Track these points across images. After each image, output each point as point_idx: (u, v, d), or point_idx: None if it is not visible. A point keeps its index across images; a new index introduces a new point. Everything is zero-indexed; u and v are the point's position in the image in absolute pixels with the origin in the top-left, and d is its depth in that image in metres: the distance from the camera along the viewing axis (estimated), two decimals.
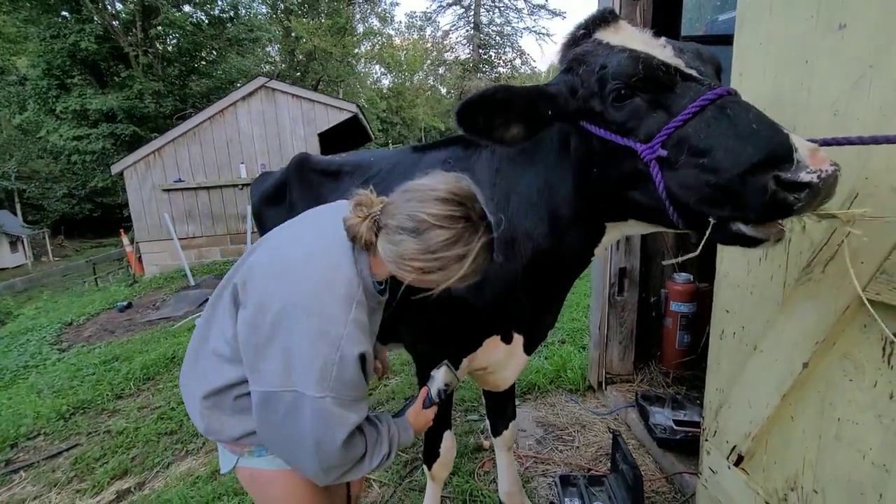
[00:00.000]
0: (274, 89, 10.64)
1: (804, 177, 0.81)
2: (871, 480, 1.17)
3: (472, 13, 36.37)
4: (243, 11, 22.97)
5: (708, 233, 0.94)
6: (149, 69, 19.35)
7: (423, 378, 1.71)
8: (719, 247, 1.73)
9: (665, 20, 2.97)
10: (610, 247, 3.12)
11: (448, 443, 1.90)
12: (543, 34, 36.46)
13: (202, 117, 10.60)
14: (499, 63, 38.37)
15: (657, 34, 1.12)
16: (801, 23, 1.32)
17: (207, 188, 10.66)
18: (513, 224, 1.46)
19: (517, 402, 3.23)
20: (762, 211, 0.87)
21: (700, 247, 0.97)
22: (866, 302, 1.00)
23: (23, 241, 25.60)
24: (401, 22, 50.98)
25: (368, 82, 36.94)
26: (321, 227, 1.28)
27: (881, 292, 1.08)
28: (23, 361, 6.25)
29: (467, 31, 37.17)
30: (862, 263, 1.12)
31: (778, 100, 1.40)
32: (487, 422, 2.34)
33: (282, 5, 27.89)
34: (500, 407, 2.18)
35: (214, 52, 22.11)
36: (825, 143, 1.04)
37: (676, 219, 1.01)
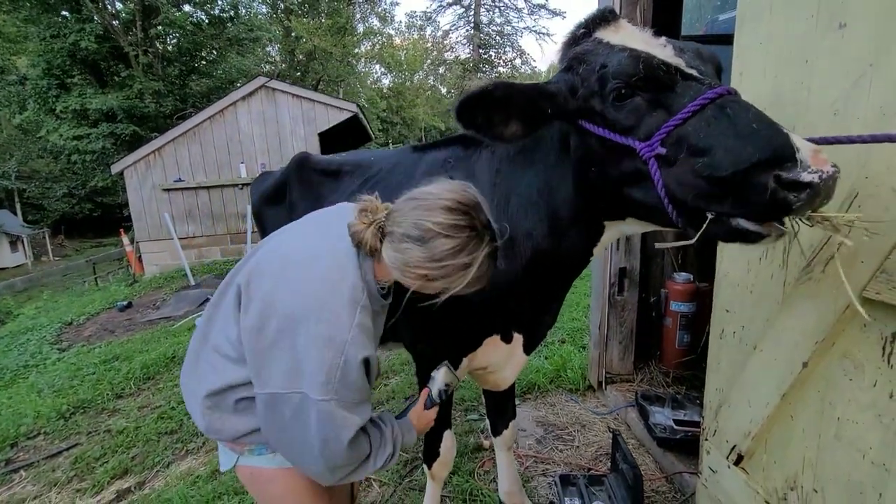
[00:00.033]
0: (274, 89, 10.65)
1: (806, 177, 0.81)
2: (871, 480, 1.17)
3: (473, 13, 36.35)
4: (243, 11, 22.95)
5: (705, 226, 0.94)
6: (149, 69, 19.34)
7: (423, 377, 1.71)
8: (719, 246, 1.74)
9: (665, 20, 2.97)
10: (610, 246, 3.12)
11: (448, 442, 1.90)
12: (543, 34, 36.45)
13: (202, 117, 10.60)
14: (499, 63, 38.36)
15: (657, 33, 1.12)
16: (801, 22, 1.32)
17: (207, 188, 10.66)
18: (513, 224, 1.45)
19: (517, 402, 3.23)
20: (762, 209, 0.87)
21: (697, 237, 0.97)
22: (860, 308, 1.00)
23: (23, 241, 25.60)
24: (401, 22, 51.11)
25: (368, 82, 36.92)
26: (325, 230, 1.28)
27: (881, 291, 1.08)
28: (23, 361, 6.26)
29: (467, 30, 37.16)
30: (862, 263, 1.13)
31: (778, 99, 1.40)
32: (487, 421, 2.34)
33: (282, 5, 27.87)
34: (500, 406, 2.18)
35: (214, 52, 22.09)
36: (824, 141, 1.04)
37: (675, 217, 1.01)
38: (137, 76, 18.62)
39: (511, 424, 2.19)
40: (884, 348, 1.12)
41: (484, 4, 36.31)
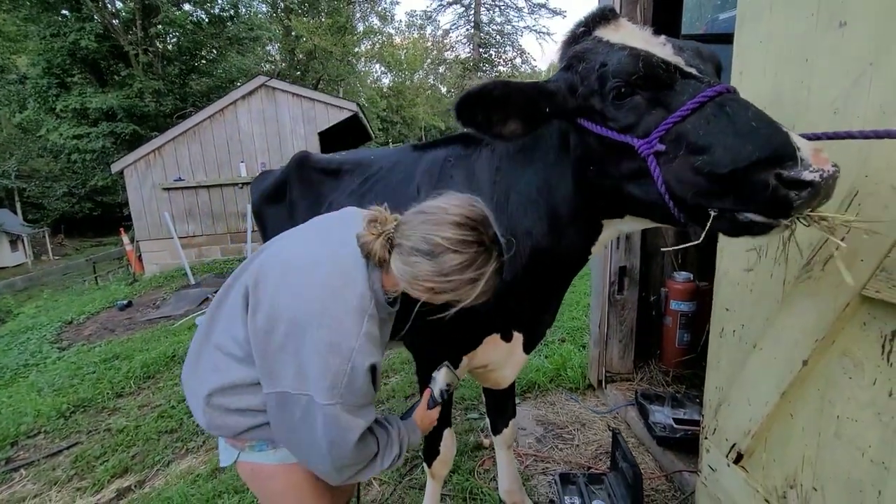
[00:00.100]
0: (274, 88, 10.64)
1: (807, 175, 0.81)
2: (871, 478, 1.17)
3: (473, 12, 36.32)
4: (243, 10, 22.95)
5: (709, 224, 0.95)
6: (149, 68, 19.33)
7: (423, 376, 1.72)
8: (719, 245, 1.74)
9: (665, 19, 2.97)
10: (610, 245, 3.12)
11: (448, 441, 1.91)
12: (544, 33, 36.42)
13: (202, 116, 10.59)
14: (499, 62, 38.35)
15: (657, 32, 1.12)
16: (801, 21, 1.32)
17: (207, 187, 10.66)
18: (512, 222, 1.46)
19: (517, 401, 3.24)
20: (762, 207, 0.87)
21: (703, 236, 0.98)
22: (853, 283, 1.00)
23: (23, 240, 25.63)
24: (401, 21, 51.07)
25: (368, 81, 36.93)
26: (328, 235, 1.30)
27: (881, 290, 1.08)
28: (23, 360, 6.25)
29: (467, 29, 37.13)
30: (862, 261, 1.13)
31: (778, 98, 1.40)
32: (487, 420, 2.34)
33: (282, 4, 27.84)
34: (500, 405, 2.19)
35: (215, 51, 22.08)
36: (825, 136, 1.04)
37: (678, 213, 1.01)
38: (137, 75, 18.61)
39: (511, 423, 2.20)
40: (883, 346, 1.12)
41: (484, 3, 36.29)
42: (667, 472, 2.54)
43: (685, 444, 2.54)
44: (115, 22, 18.68)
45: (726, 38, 1.79)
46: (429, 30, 39.90)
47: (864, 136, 0.97)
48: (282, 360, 1.15)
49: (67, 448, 3.56)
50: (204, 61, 22.19)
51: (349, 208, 1.45)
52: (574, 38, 1.21)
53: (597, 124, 1.12)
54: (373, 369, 1.16)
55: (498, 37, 37.60)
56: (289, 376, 1.14)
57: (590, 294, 3.62)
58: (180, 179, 10.54)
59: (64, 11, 17.86)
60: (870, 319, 1.15)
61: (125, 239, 11.58)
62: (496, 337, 1.68)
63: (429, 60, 40.08)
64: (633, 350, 3.37)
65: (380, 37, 36.23)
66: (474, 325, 1.63)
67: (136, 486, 2.99)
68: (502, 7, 36.57)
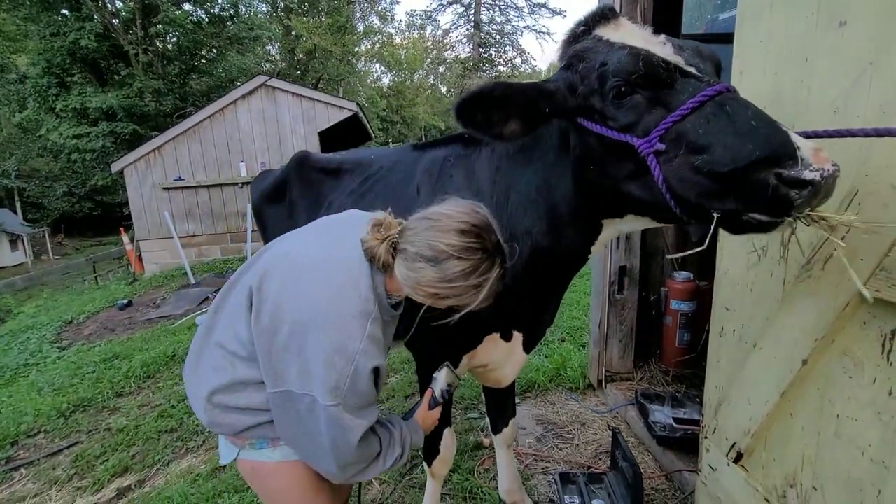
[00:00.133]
0: (274, 88, 10.65)
1: (808, 175, 0.81)
2: (870, 477, 1.17)
3: (473, 12, 36.32)
4: (243, 10, 22.95)
5: (713, 226, 0.95)
6: (149, 67, 19.32)
7: (424, 375, 1.72)
8: (719, 244, 1.74)
9: (665, 19, 2.97)
10: (610, 245, 3.12)
11: (448, 440, 1.91)
12: (544, 33, 36.41)
13: (202, 115, 10.59)
14: (499, 62, 38.34)
15: (656, 32, 1.12)
16: (801, 20, 1.32)
17: (207, 186, 10.65)
18: (512, 221, 1.46)
19: (517, 401, 3.24)
20: (763, 206, 0.87)
21: (707, 241, 0.98)
22: (864, 291, 1.00)
23: (23, 240, 25.63)
24: (401, 20, 51.03)
25: (369, 81, 36.92)
26: (333, 237, 1.31)
27: (881, 289, 1.08)
28: (23, 359, 6.25)
29: (467, 29, 37.12)
30: (862, 260, 1.13)
31: (778, 98, 1.40)
32: (487, 419, 2.34)
33: (282, 4, 27.85)
34: (500, 405, 2.19)
35: (214, 51, 22.07)
36: (825, 134, 1.04)
37: (680, 212, 1.01)
38: (137, 75, 18.60)
39: (511, 422, 2.20)
40: (883, 345, 1.12)
41: (484, 3, 36.29)
42: (667, 471, 2.54)
43: (685, 443, 2.54)
44: (115, 21, 18.67)
45: (726, 38, 1.79)
46: (429, 29, 39.97)
47: (865, 133, 0.97)
48: (286, 361, 1.16)
49: (67, 447, 3.56)
50: (204, 61, 22.18)
51: (352, 210, 1.47)
52: (574, 37, 1.21)
53: (597, 123, 1.12)
54: (376, 371, 1.18)
55: (498, 36, 37.60)
56: (293, 376, 1.15)
57: (590, 294, 3.62)
58: (180, 179, 10.54)
59: (64, 11, 17.85)
60: (870, 319, 1.15)
61: (125, 238, 11.58)
62: (496, 336, 1.68)
63: (429, 60, 40.08)
64: (633, 350, 3.37)
65: (380, 36, 36.25)
66: (474, 325, 1.63)
67: (136, 486, 2.99)
68: (502, 7, 36.59)
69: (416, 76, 40.12)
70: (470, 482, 2.53)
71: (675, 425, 2.66)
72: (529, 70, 38.12)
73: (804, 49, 1.31)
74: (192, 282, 9.17)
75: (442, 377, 1.49)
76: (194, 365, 1.34)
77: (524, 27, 37.80)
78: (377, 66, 38.97)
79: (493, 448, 2.55)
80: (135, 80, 18.52)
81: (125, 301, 8.46)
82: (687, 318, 3.19)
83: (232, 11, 21.50)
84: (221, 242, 10.93)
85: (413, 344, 1.81)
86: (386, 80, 39.70)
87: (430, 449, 1.92)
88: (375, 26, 35.28)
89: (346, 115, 10.97)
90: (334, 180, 2.14)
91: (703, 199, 0.95)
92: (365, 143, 16.52)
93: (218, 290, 1.38)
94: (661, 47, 1.06)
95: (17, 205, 27.61)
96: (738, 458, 1.64)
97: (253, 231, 9.43)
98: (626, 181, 1.12)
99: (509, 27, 37.28)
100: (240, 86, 10.99)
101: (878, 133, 0.95)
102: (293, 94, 10.74)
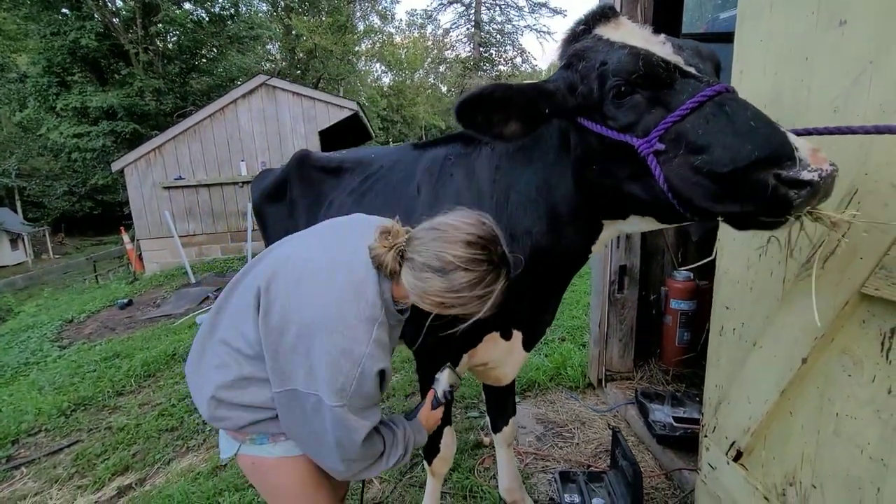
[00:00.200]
0: (274, 87, 10.65)
1: (806, 175, 0.82)
2: (870, 475, 1.18)
3: (473, 11, 36.33)
4: (244, 9, 22.90)
5: (720, 228, 0.96)
6: (149, 67, 19.30)
7: (424, 373, 1.73)
8: (719, 244, 1.74)
9: (666, 18, 2.97)
10: (610, 244, 3.13)
11: (448, 439, 1.91)
12: (544, 32, 36.48)
13: (203, 115, 10.59)
14: (499, 61, 38.35)
15: (656, 31, 1.12)
16: (801, 20, 1.32)
17: (208, 186, 10.66)
18: (512, 221, 1.46)
19: (517, 400, 3.24)
20: (763, 206, 0.88)
21: (714, 253, 0.99)
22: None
23: (23, 239, 25.63)
24: (401, 20, 50.91)
25: (369, 80, 36.89)
26: (341, 242, 1.33)
27: (880, 287, 1.08)
28: (24, 358, 6.26)
29: (468, 28, 37.13)
30: (861, 259, 1.13)
31: (778, 97, 1.40)
32: (487, 418, 2.35)
33: (282, 3, 27.84)
34: (501, 403, 2.19)
35: (215, 50, 22.03)
36: (826, 131, 1.04)
37: (684, 211, 1.02)
38: (138, 74, 18.59)
39: (511, 421, 2.20)
40: (882, 344, 1.12)
41: (484, 3, 36.29)
42: (666, 470, 2.54)
43: (685, 442, 2.54)
44: (115, 20, 18.64)
45: (727, 37, 1.79)
46: (429, 29, 39.98)
47: (865, 130, 0.97)
48: (293, 361, 1.18)
49: (68, 446, 3.56)
50: (204, 60, 22.14)
51: (358, 214, 1.49)
52: (574, 37, 1.21)
53: (597, 123, 1.12)
54: (381, 374, 1.20)
55: (498, 36, 37.62)
56: (300, 376, 1.18)
57: (590, 293, 3.62)
58: (181, 178, 10.54)
59: (64, 10, 17.82)
60: (869, 317, 1.16)
61: (125, 238, 11.58)
62: (496, 335, 1.68)
63: (429, 59, 40.05)
64: (633, 349, 3.37)
65: (380, 36, 36.21)
66: (474, 324, 1.64)
67: (136, 484, 3.00)
68: (503, 6, 36.60)
69: (417, 75, 40.09)
70: (470, 481, 2.53)
71: (674, 424, 2.66)
72: (530, 69, 38.13)
73: (804, 48, 1.31)
74: (193, 281, 9.17)
75: (444, 378, 1.52)
76: (197, 362, 1.35)
77: (525, 26, 37.92)
78: (377, 65, 38.97)
79: (494, 447, 2.56)
80: (135, 79, 18.50)
81: (125, 300, 8.47)
82: (687, 317, 3.20)
83: (232, 10, 21.46)
84: (222, 242, 10.94)
85: (414, 342, 1.81)
86: (386, 80, 39.72)
87: (431, 447, 1.93)
88: (376, 25, 35.27)
89: (346, 114, 10.97)
90: (335, 179, 2.14)
91: (705, 199, 0.96)
92: (365, 142, 16.51)
93: (219, 289, 1.39)
94: (660, 47, 1.06)
95: (18, 204, 27.62)
96: (737, 457, 1.65)
97: (253, 230, 9.43)
98: (627, 181, 1.12)
99: (510, 26, 37.34)
100: (240, 85, 10.99)
101: (878, 130, 0.95)
102: (293, 93, 10.74)
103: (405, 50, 38.77)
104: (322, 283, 1.21)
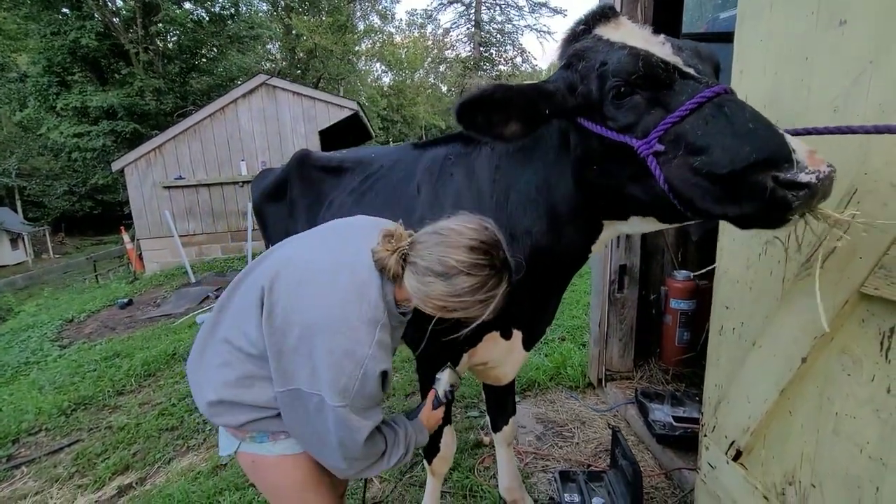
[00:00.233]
0: (275, 87, 10.65)
1: (803, 177, 0.82)
2: (869, 474, 1.18)
3: (473, 11, 36.31)
4: (244, 9, 22.91)
5: (720, 229, 0.96)
6: (149, 66, 19.31)
7: (424, 372, 1.73)
8: (718, 244, 1.74)
9: (666, 18, 2.97)
10: (610, 244, 3.13)
11: (448, 438, 1.91)
12: (544, 32, 36.46)
13: (203, 114, 10.60)
14: (500, 61, 38.34)
15: (656, 31, 1.12)
16: (801, 19, 1.32)
17: (208, 185, 10.66)
18: (512, 221, 1.46)
19: (517, 399, 3.24)
20: (761, 207, 0.88)
21: (717, 264, 0.99)
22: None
23: (23, 238, 25.64)
24: (401, 19, 50.93)
25: (369, 80, 36.90)
26: (344, 243, 1.33)
27: (879, 287, 1.09)
28: (24, 358, 6.26)
29: (468, 28, 37.11)
30: (860, 258, 1.13)
31: (778, 97, 1.40)
32: (487, 418, 2.35)
33: (282, 2, 27.83)
34: (501, 403, 2.19)
35: (215, 50, 22.04)
36: (826, 130, 1.04)
37: (685, 211, 1.02)
38: (138, 74, 18.59)
39: (511, 421, 2.20)
40: (882, 343, 1.13)
41: (485, 2, 36.28)
42: (666, 469, 2.55)
43: (684, 441, 2.55)
44: (115, 20, 18.65)
45: (727, 37, 1.79)
46: (429, 28, 39.97)
47: (865, 130, 0.97)
48: (296, 362, 1.19)
49: (68, 445, 3.57)
50: (204, 60, 22.15)
51: (360, 216, 1.50)
52: (574, 36, 1.21)
53: (596, 124, 1.12)
54: (384, 374, 1.21)
55: (498, 35, 37.60)
56: (303, 376, 1.18)
57: (590, 293, 3.63)
58: (181, 178, 10.54)
59: (64, 10, 17.82)
60: (868, 316, 1.16)
61: (126, 237, 11.58)
62: (496, 335, 1.69)
63: (429, 59, 40.04)
64: (633, 348, 3.38)
65: (380, 35, 36.23)
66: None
67: (137, 484, 3.00)
68: (503, 6, 36.59)
69: (417, 75, 40.09)
70: (470, 480, 2.54)
71: (674, 423, 2.66)
72: (530, 69, 38.12)
73: (804, 48, 1.31)
74: (193, 280, 9.17)
75: (445, 378, 1.53)
76: (198, 360, 1.36)
77: (525, 26, 37.88)
78: (378, 65, 38.98)
79: (493, 446, 2.56)
80: (135, 78, 18.50)
81: (126, 300, 8.47)
82: (687, 316, 3.20)
83: (232, 10, 21.46)
84: (222, 241, 10.94)
85: (414, 341, 1.82)
86: (386, 80, 39.72)
87: (431, 447, 1.93)
88: (376, 25, 35.29)
89: (346, 114, 10.97)
90: (335, 179, 2.14)
91: (705, 200, 0.96)
92: (365, 142, 16.51)
93: (219, 289, 1.39)
94: (660, 47, 1.06)
95: (18, 203, 27.62)
96: (737, 456, 1.65)
97: (254, 230, 9.43)
98: (627, 182, 1.12)
99: (510, 26, 37.33)
100: (240, 85, 11.00)
101: (878, 130, 0.95)
102: (294, 93, 10.74)
103: (405, 50, 38.77)
104: (325, 284, 1.22)
